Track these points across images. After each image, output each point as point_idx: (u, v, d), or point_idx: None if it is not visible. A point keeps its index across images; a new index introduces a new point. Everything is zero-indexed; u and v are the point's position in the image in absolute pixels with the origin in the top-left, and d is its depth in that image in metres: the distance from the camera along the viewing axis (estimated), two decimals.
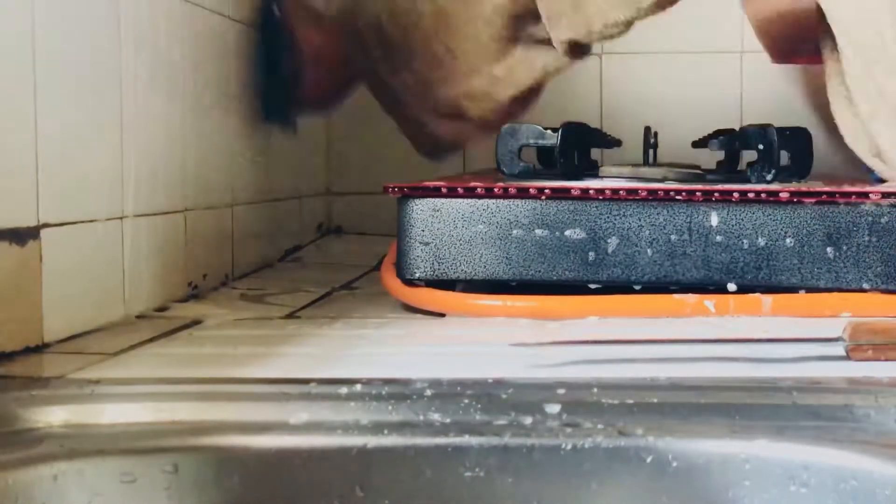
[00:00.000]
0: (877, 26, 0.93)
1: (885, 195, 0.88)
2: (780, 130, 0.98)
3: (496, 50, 1.11)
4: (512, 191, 0.90)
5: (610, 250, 0.89)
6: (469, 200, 0.91)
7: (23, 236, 0.73)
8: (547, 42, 1.09)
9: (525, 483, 0.58)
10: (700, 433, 0.59)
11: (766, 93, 1.54)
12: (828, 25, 0.97)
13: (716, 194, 0.89)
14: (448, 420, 0.60)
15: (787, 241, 0.88)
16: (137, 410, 0.61)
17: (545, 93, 1.62)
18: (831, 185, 0.93)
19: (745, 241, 0.88)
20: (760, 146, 0.98)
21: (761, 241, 0.88)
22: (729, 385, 0.65)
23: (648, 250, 0.89)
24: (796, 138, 1.00)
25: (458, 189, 0.91)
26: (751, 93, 1.55)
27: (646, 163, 1.13)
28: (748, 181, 0.97)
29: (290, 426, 0.60)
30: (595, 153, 1.29)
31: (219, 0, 1.11)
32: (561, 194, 0.90)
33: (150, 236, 0.93)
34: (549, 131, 1.02)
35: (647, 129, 1.15)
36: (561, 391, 0.62)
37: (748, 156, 1.05)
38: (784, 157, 1.00)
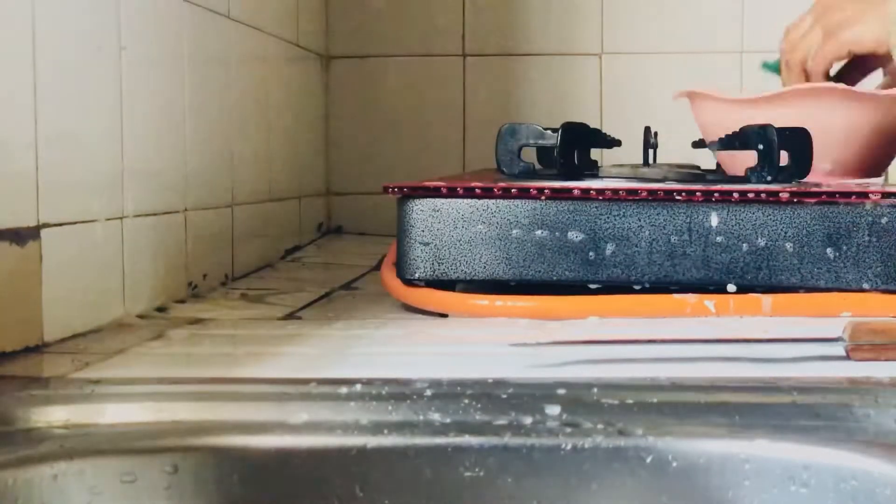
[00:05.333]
0: None
1: (885, 195, 0.88)
2: (780, 131, 0.98)
3: None
4: (512, 191, 0.90)
5: (610, 250, 0.89)
6: (469, 200, 0.90)
7: (23, 236, 0.73)
8: None
9: (525, 483, 0.58)
10: (700, 433, 0.59)
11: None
12: None
13: (716, 194, 0.89)
14: (448, 420, 0.60)
15: (787, 241, 0.88)
16: (137, 410, 0.61)
17: (546, 93, 1.63)
18: (831, 186, 0.93)
19: (744, 241, 0.88)
20: (760, 146, 0.98)
21: (761, 242, 0.88)
22: (729, 385, 0.65)
23: (648, 250, 0.89)
24: (796, 138, 1.00)
25: (458, 189, 0.91)
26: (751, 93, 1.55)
27: (646, 163, 1.13)
28: (748, 181, 0.97)
29: (289, 426, 0.60)
30: (595, 153, 1.29)
31: (219, 1, 1.11)
32: (561, 194, 0.90)
33: (150, 236, 0.93)
34: (548, 131, 1.02)
35: (647, 129, 1.15)
36: (561, 391, 0.62)
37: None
38: (784, 157, 1.00)
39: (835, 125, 1.04)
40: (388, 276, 0.94)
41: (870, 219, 0.88)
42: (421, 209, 0.91)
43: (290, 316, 0.92)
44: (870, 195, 0.88)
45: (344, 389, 0.62)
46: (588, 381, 0.64)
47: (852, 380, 0.66)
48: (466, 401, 0.61)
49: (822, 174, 1.05)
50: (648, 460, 0.58)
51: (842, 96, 1.03)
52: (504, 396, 0.62)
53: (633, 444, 0.58)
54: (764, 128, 0.97)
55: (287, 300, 1.01)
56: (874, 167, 1.08)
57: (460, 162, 1.63)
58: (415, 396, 0.62)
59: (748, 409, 0.61)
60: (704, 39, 1.59)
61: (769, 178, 0.96)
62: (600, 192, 0.89)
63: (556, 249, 0.89)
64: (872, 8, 1.02)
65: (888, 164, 1.13)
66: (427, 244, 0.90)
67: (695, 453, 0.58)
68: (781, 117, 1.01)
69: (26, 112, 0.74)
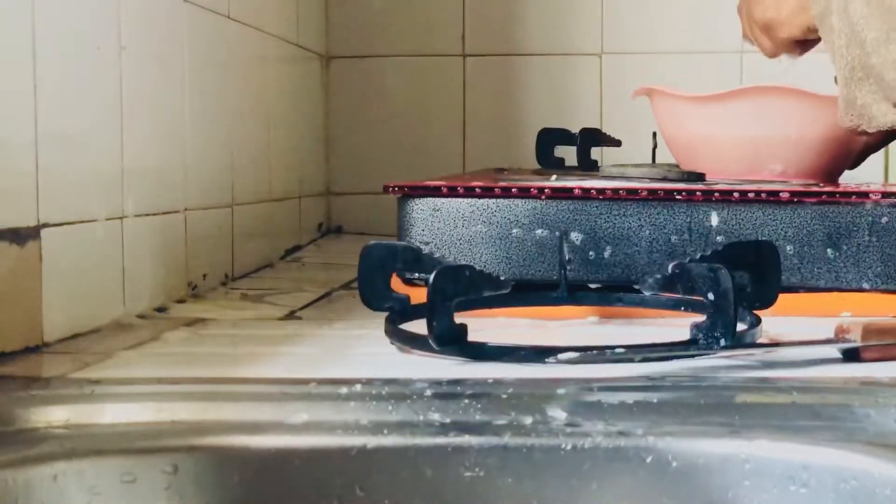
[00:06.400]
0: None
1: (885, 195, 0.88)
2: (735, 258, 0.78)
3: None
4: (512, 190, 0.90)
5: (610, 250, 0.89)
6: (469, 200, 0.90)
7: (23, 236, 0.73)
8: None
9: (525, 483, 0.58)
10: (700, 433, 0.59)
11: None
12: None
13: (716, 194, 0.89)
14: (448, 420, 0.60)
15: (787, 241, 0.88)
16: (137, 410, 0.61)
17: (546, 93, 1.63)
18: (831, 186, 0.93)
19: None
20: (711, 296, 0.72)
21: None
22: (729, 385, 0.65)
23: (648, 250, 0.89)
24: (758, 255, 0.80)
25: (459, 188, 0.91)
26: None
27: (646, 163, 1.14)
28: (695, 343, 0.72)
29: (289, 426, 0.60)
30: (595, 153, 1.29)
31: (219, 1, 1.11)
32: (561, 194, 0.90)
33: (150, 236, 0.93)
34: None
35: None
36: (561, 391, 0.62)
37: None
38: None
39: (788, 124, 1.04)
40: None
41: (870, 219, 0.88)
42: (421, 209, 0.91)
43: (290, 316, 0.92)
44: (870, 195, 0.88)
45: (344, 389, 0.62)
46: (588, 381, 0.64)
47: (852, 380, 0.66)
48: (466, 401, 0.61)
49: (773, 175, 1.04)
50: (648, 460, 0.58)
51: (796, 96, 1.03)
52: (504, 396, 0.62)
53: (633, 444, 0.58)
54: (715, 270, 0.71)
55: (287, 300, 1.01)
56: (828, 170, 1.07)
57: (460, 162, 1.63)
58: (415, 396, 0.62)
59: (748, 409, 0.61)
60: (704, 39, 1.59)
61: (723, 342, 0.70)
62: (601, 191, 0.89)
63: (556, 249, 0.89)
64: None
65: (843, 169, 1.12)
66: (427, 244, 0.90)
67: (695, 453, 0.58)
68: (734, 116, 1.01)
69: (26, 112, 0.74)
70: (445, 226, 0.91)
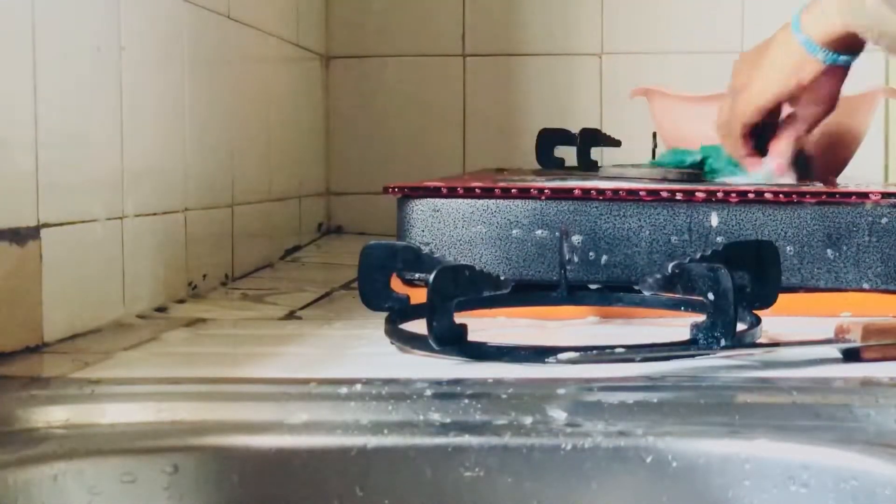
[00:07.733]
0: None
1: (885, 195, 0.88)
2: (735, 257, 0.78)
3: None
4: (512, 191, 0.90)
5: (610, 251, 0.89)
6: (469, 201, 0.90)
7: (23, 236, 0.73)
8: None
9: (525, 483, 0.58)
10: (700, 433, 0.59)
11: None
12: None
13: (717, 194, 0.89)
14: (448, 420, 0.60)
15: (787, 241, 0.88)
16: (137, 410, 0.61)
17: (546, 93, 1.63)
18: (831, 186, 0.93)
19: None
20: (711, 296, 0.72)
21: None
22: (729, 385, 0.65)
23: (648, 251, 0.89)
24: (757, 256, 0.79)
25: (458, 189, 0.90)
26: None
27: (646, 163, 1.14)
28: (695, 343, 0.72)
29: (289, 426, 0.60)
30: (595, 153, 1.29)
31: (219, 1, 1.11)
32: (561, 195, 0.90)
33: (150, 236, 0.93)
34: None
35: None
36: (561, 391, 0.62)
37: None
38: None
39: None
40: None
41: (870, 219, 0.88)
42: (421, 209, 0.91)
43: (290, 316, 0.92)
44: (870, 195, 0.88)
45: (344, 389, 0.62)
46: (588, 381, 0.64)
47: (852, 380, 0.66)
48: (466, 401, 0.61)
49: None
50: (648, 460, 0.58)
51: None
52: (504, 396, 0.62)
53: (633, 444, 0.58)
54: (715, 270, 0.71)
55: (287, 300, 1.01)
56: (825, 169, 1.07)
57: (460, 162, 1.63)
58: (415, 396, 0.62)
59: (748, 409, 0.61)
60: (704, 39, 1.59)
61: (723, 342, 0.70)
62: (601, 192, 0.89)
63: (556, 249, 0.89)
64: (757, 69, 0.98)
65: (840, 169, 1.12)
66: (427, 244, 0.90)
67: (695, 453, 0.58)
68: None
69: (26, 112, 0.74)
70: (445, 226, 0.91)
